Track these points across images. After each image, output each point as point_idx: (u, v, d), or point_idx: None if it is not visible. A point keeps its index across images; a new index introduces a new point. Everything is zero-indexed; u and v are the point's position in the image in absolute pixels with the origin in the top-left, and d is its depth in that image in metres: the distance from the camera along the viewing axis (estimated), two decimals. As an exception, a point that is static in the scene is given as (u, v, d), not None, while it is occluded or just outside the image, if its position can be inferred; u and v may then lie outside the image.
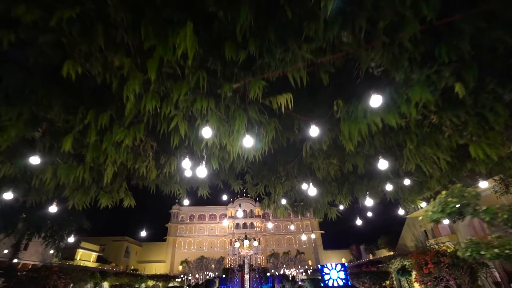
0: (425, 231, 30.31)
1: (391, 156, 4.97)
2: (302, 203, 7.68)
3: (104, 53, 2.71)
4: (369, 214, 10.24)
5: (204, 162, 3.38)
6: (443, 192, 6.42)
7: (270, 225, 6.09)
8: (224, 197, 6.09)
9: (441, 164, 4.35)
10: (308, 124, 3.73)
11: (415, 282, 8.58)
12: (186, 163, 4.01)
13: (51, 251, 13.81)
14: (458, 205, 4.76)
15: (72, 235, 13.26)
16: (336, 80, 3.47)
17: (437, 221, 5.30)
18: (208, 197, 5.95)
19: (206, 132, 3.06)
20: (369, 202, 7.53)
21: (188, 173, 4.27)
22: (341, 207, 8.01)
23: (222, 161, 4.58)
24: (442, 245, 24.97)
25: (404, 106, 2.97)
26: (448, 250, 7.70)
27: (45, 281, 7.11)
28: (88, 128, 3.30)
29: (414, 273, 25.39)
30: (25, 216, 11.59)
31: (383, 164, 4.80)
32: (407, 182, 6.19)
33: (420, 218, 6.93)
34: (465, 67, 2.85)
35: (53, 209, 5.88)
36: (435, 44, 2.85)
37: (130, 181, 5.29)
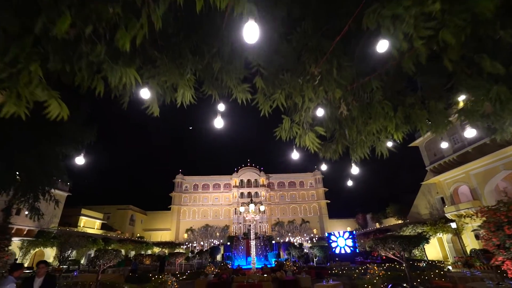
0: (441, 198, 28.48)
1: None
2: (335, 135, 5.34)
3: None
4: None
5: None
6: None
7: (295, 155, 4.19)
8: (222, 108, 3.74)
9: None
10: None
11: (485, 246, 6.43)
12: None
13: (26, 213, 11.99)
14: None
15: (49, 195, 11.35)
16: None
17: None
18: (194, 103, 3.62)
19: None
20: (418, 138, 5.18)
21: None
22: (389, 144, 5.57)
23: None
24: (464, 212, 23.31)
25: None
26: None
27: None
28: None
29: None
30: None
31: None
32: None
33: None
34: None
35: None
36: None
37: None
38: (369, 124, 4.96)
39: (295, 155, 4.19)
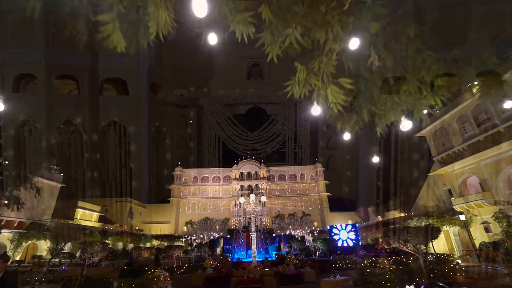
0: (448, 189, 27.56)
1: None
2: (355, 104, 4.25)
3: None
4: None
5: None
6: None
7: (315, 110, 3.22)
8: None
9: None
10: None
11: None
12: None
13: (5, 202, 10.97)
14: None
15: (29, 182, 10.37)
16: None
17: None
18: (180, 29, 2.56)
19: None
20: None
21: None
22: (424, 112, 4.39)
23: None
24: (473, 204, 22.40)
25: None
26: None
27: None
28: None
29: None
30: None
31: None
32: None
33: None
34: None
35: None
36: None
37: None
38: (402, 83, 3.84)
39: (315, 110, 3.13)
